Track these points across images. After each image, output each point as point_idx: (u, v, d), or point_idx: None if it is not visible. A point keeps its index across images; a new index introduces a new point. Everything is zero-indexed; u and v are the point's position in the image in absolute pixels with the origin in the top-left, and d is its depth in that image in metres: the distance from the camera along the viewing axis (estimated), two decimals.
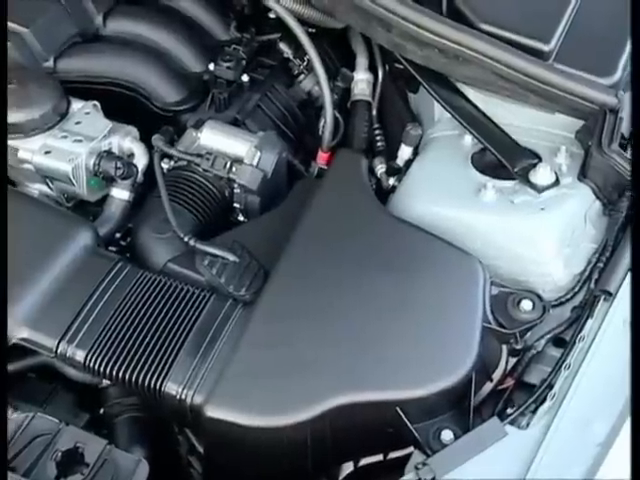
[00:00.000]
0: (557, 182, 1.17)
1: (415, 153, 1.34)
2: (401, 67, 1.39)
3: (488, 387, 1.08)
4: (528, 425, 0.95)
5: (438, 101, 1.29)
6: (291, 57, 1.52)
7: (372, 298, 1.07)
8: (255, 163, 1.26)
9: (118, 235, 1.29)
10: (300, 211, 1.15)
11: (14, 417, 0.97)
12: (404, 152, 1.32)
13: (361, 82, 1.53)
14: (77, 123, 1.27)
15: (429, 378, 1.00)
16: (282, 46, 1.52)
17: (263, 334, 1.03)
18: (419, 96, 1.44)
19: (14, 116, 1.23)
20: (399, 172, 1.31)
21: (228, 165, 1.26)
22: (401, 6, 1.21)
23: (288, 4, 1.41)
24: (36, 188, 1.29)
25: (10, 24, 1.33)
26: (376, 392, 0.99)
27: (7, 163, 1.20)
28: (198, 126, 1.34)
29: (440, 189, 1.21)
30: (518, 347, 1.07)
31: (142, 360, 1.00)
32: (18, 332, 1.01)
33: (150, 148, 1.30)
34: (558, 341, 1.07)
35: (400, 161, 1.32)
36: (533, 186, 1.16)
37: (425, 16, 1.21)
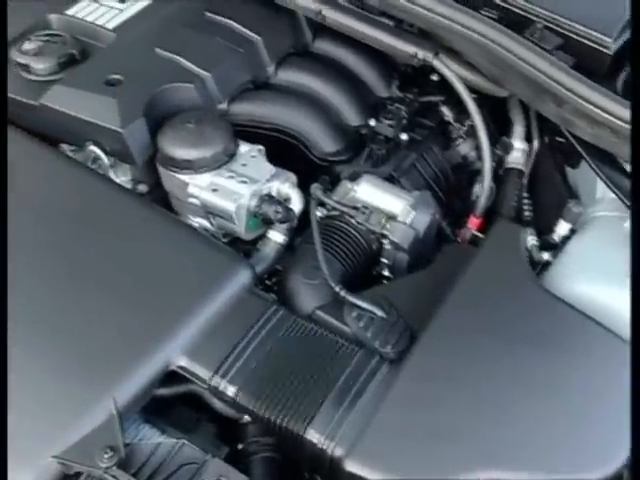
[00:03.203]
0: None
1: (572, 230, 1.31)
2: (562, 140, 1.38)
3: None
4: None
5: (603, 180, 1.26)
6: (452, 121, 1.54)
7: (521, 372, 1.05)
8: (409, 222, 1.28)
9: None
10: (454, 276, 1.15)
11: (163, 441, 1.01)
12: (562, 228, 1.29)
13: (517, 151, 1.52)
14: (243, 165, 1.33)
15: (577, 467, 0.97)
16: (444, 109, 1.54)
17: (408, 395, 1.03)
18: (579, 172, 1.42)
19: (188, 153, 1.31)
20: (555, 247, 1.29)
21: (383, 221, 1.28)
22: (579, 84, 1.20)
23: (456, 68, 1.43)
24: (197, 221, 1.36)
25: (194, 67, 1.42)
26: (520, 472, 0.97)
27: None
28: (353, 178, 1.38)
29: (598, 271, 1.18)
30: None
31: (288, 404, 1.03)
32: (177, 360, 1.06)
33: (305, 195, 1.35)
34: None
35: (556, 236, 1.30)
36: None
37: (601, 95, 1.20)
